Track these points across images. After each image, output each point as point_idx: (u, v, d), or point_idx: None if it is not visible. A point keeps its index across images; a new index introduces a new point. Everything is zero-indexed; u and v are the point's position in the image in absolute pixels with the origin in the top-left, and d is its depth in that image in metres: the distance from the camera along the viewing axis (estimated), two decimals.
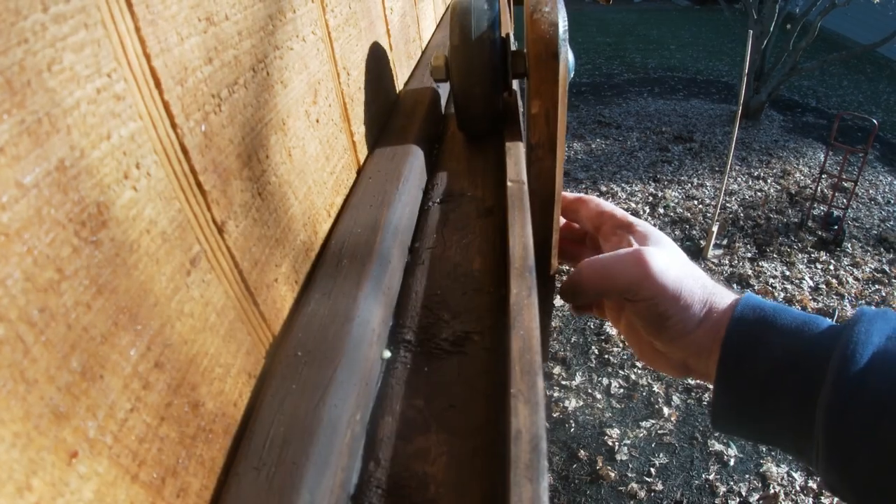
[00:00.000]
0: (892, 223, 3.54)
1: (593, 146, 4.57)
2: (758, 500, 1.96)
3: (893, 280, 3.01)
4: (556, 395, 2.38)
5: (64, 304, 0.14)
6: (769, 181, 4.00)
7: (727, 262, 3.17)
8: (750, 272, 3.07)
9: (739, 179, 4.03)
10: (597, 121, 5.04)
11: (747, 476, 2.04)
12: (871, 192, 3.89)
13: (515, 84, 0.57)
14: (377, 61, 0.49)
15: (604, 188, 3.93)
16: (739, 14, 5.59)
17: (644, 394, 2.37)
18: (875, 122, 3.09)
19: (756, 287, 2.95)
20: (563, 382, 2.44)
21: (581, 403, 2.34)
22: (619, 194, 3.85)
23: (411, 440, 0.26)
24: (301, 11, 0.32)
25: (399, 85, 0.59)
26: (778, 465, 2.06)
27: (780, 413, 0.33)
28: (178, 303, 0.19)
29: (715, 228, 3.06)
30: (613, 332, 2.62)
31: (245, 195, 0.25)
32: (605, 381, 2.43)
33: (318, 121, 0.34)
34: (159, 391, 0.18)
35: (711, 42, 7.47)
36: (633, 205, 3.74)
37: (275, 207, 0.28)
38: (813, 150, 4.44)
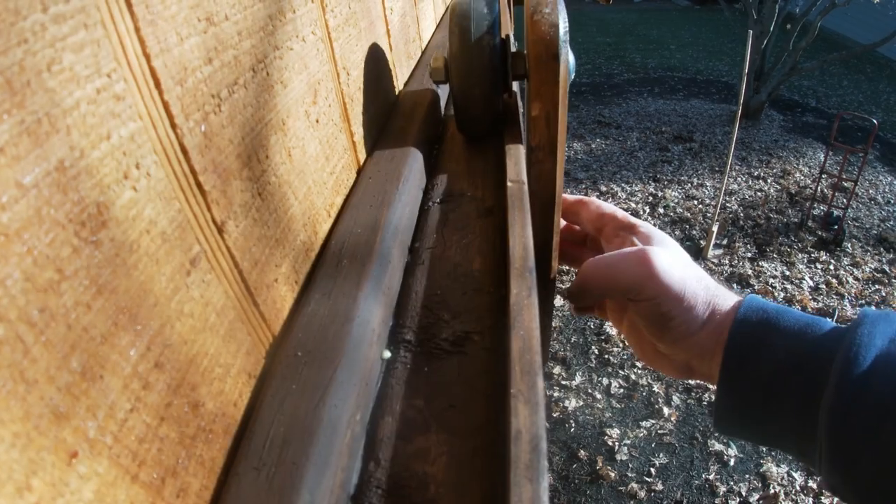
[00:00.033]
0: (892, 223, 3.54)
1: (593, 146, 4.57)
2: (758, 500, 1.96)
3: (893, 280, 3.01)
4: (556, 395, 2.38)
5: (64, 304, 0.14)
6: (769, 181, 4.00)
7: (727, 261, 3.17)
8: (750, 272, 3.07)
9: (739, 179, 4.03)
10: (597, 121, 5.04)
11: (747, 476, 2.04)
12: (871, 191, 3.89)
13: (515, 85, 0.57)
14: (377, 61, 0.49)
15: (604, 188, 3.93)
16: (739, 14, 5.59)
17: (644, 394, 2.37)
18: (875, 121, 3.09)
19: (756, 287, 2.95)
20: (563, 382, 2.44)
21: (581, 403, 2.34)
22: (619, 194, 3.85)
23: (411, 440, 0.26)
24: (301, 11, 0.32)
25: (399, 85, 0.59)
26: (778, 465, 2.06)
27: (782, 415, 0.33)
28: (177, 303, 0.19)
29: (715, 228, 3.06)
30: (613, 331, 2.62)
31: (245, 195, 0.25)
32: (605, 380, 2.43)
33: (317, 121, 0.34)
34: (159, 391, 0.18)
35: (711, 42, 7.47)
36: (633, 205, 3.74)
37: (275, 207, 0.28)
38: (813, 150, 4.44)
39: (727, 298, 0.37)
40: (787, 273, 3.07)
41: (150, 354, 0.18)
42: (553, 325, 2.67)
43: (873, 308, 0.38)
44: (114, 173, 0.17)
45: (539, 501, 0.20)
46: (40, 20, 0.14)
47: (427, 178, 0.48)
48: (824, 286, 2.96)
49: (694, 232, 3.45)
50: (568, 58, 0.40)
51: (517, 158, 0.44)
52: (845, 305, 2.81)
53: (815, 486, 1.98)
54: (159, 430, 0.18)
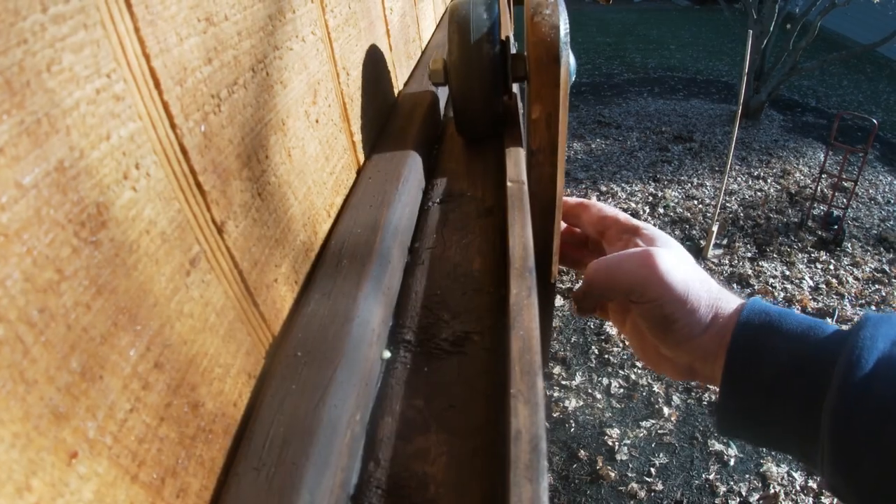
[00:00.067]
0: (892, 223, 3.54)
1: (593, 146, 4.57)
2: (758, 500, 1.96)
3: (893, 280, 3.01)
4: (556, 395, 2.38)
5: (63, 304, 0.14)
6: (769, 181, 4.00)
7: (727, 261, 3.17)
8: (750, 272, 3.07)
9: (739, 179, 4.03)
10: (597, 121, 5.04)
11: (747, 476, 2.04)
12: (871, 191, 3.88)
13: (516, 86, 0.57)
14: (377, 62, 0.49)
15: (604, 188, 3.92)
16: (739, 14, 5.59)
17: (644, 394, 2.37)
18: (875, 121, 3.08)
19: (756, 287, 2.95)
20: (563, 382, 2.44)
21: (581, 403, 2.34)
22: (619, 194, 3.85)
23: (411, 440, 0.26)
24: (301, 12, 0.32)
25: (399, 85, 0.59)
26: (778, 465, 2.06)
27: (785, 417, 0.33)
28: (177, 303, 0.19)
29: (715, 228, 3.06)
30: (613, 331, 2.62)
31: (245, 195, 0.25)
32: (605, 380, 2.43)
33: (317, 121, 0.34)
34: (159, 391, 0.18)
35: (711, 42, 7.47)
36: (633, 205, 3.73)
37: (274, 208, 0.28)
38: (813, 149, 4.44)
39: (730, 301, 0.37)
40: (787, 273, 3.07)
41: (149, 355, 0.18)
42: (553, 324, 2.67)
43: (875, 311, 0.37)
44: (113, 173, 0.17)
45: (539, 501, 0.20)
46: (40, 20, 0.14)
47: (427, 178, 0.48)
48: (824, 286, 2.96)
49: (694, 232, 3.45)
50: (569, 60, 0.40)
51: (517, 158, 0.43)
52: (845, 305, 2.81)
53: (815, 486, 1.98)
54: (159, 430, 0.18)
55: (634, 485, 2.01)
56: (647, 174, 4.09)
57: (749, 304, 0.36)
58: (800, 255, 3.20)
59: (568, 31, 0.39)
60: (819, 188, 3.58)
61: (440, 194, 0.46)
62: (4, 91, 0.13)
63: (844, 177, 3.25)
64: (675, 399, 2.34)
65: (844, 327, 0.33)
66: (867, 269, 3.10)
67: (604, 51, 7.10)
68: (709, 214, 3.57)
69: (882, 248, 3.28)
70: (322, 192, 0.34)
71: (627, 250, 0.39)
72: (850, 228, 3.45)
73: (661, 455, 2.12)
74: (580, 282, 0.41)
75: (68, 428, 0.14)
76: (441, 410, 0.27)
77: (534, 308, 0.28)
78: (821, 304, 2.83)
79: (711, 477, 2.04)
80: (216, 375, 0.21)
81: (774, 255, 3.21)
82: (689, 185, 3.95)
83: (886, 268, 3.11)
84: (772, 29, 4.59)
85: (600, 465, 2.08)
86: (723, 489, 1.99)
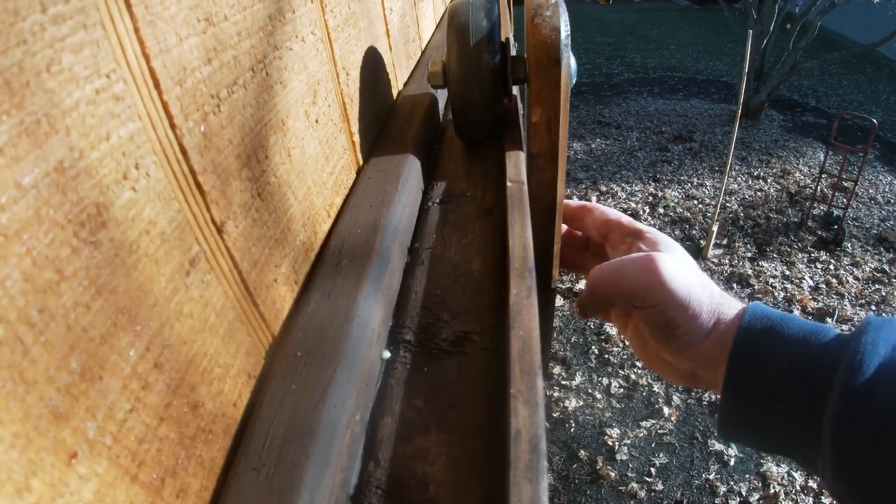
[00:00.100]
0: (892, 223, 3.54)
1: (593, 146, 4.57)
2: (758, 500, 1.96)
3: (893, 280, 3.01)
4: (556, 395, 2.38)
5: (63, 304, 0.14)
6: (769, 181, 4.00)
7: (727, 261, 3.17)
8: (750, 272, 3.07)
9: (739, 179, 4.03)
10: (597, 121, 5.04)
11: (747, 476, 2.04)
12: (870, 191, 3.88)
13: (516, 89, 0.57)
14: (377, 62, 0.49)
15: (604, 188, 3.92)
16: (739, 14, 5.59)
17: (644, 394, 2.37)
18: (875, 121, 3.08)
19: (756, 287, 2.95)
20: (563, 382, 2.44)
21: (581, 403, 2.34)
22: (619, 194, 3.85)
23: (411, 440, 0.26)
24: (300, 12, 0.32)
25: (399, 85, 0.59)
26: (778, 465, 2.06)
27: (787, 422, 0.33)
28: (177, 303, 0.19)
29: (715, 228, 3.06)
30: (613, 331, 2.62)
31: (244, 195, 0.25)
32: (605, 380, 2.43)
33: (317, 121, 0.34)
34: (158, 392, 0.18)
35: (711, 42, 7.47)
36: (633, 205, 3.73)
37: (274, 208, 0.28)
38: (813, 149, 4.44)
39: (731, 307, 0.37)
40: (787, 273, 3.07)
41: (149, 355, 0.18)
42: (553, 325, 2.67)
43: (875, 311, 0.38)
44: (113, 174, 0.17)
45: (539, 501, 0.20)
46: (39, 21, 0.14)
47: (426, 178, 0.48)
48: (824, 286, 2.96)
49: (694, 232, 3.45)
50: (569, 62, 0.39)
51: (517, 160, 0.43)
52: (845, 305, 2.81)
53: (815, 486, 1.98)
54: (159, 430, 0.18)
55: (634, 485, 2.01)
56: (647, 174, 4.09)
57: (750, 308, 0.36)
58: (800, 255, 3.20)
59: (569, 32, 0.39)
60: (819, 188, 3.58)
61: (440, 194, 0.46)
62: (4, 91, 0.13)
63: (844, 177, 3.25)
64: (676, 399, 2.34)
65: (845, 328, 0.33)
66: (867, 269, 3.10)
67: (604, 51, 7.10)
68: (709, 214, 3.57)
69: (882, 248, 3.28)
70: (322, 193, 0.34)
71: (630, 255, 0.38)
72: (850, 228, 3.45)
73: (661, 455, 2.12)
74: (580, 282, 0.40)
75: (68, 428, 0.14)
76: (441, 410, 0.27)
77: (534, 308, 0.28)
78: (821, 304, 2.82)
79: (711, 477, 2.04)
80: (216, 375, 0.21)
81: (774, 255, 3.21)
82: (689, 185, 3.95)
83: (886, 268, 3.11)
84: (772, 29, 4.59)
85: (600, 465, 2.08)
86: (723, 489, 1.99)
